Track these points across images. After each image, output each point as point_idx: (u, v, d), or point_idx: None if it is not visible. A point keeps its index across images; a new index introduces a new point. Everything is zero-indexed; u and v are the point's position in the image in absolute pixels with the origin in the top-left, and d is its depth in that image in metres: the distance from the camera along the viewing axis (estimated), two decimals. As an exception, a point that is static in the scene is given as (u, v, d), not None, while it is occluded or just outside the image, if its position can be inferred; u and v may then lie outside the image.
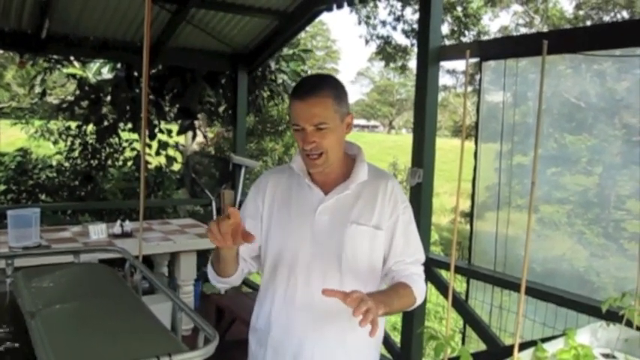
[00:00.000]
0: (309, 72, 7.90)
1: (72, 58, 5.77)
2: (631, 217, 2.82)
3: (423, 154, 3.17)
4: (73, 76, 5.89)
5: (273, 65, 6.10)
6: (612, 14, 15.36)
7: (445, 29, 14.63)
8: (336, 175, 1.58)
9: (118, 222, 4.06)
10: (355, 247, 1.54)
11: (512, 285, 2.76)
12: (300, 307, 1.53)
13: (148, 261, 4.38)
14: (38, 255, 2.26)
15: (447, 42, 12.54)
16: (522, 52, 2.78)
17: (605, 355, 1.91)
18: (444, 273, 3.22)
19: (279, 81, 6.28)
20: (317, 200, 1.55)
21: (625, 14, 15.27)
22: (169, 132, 6.07)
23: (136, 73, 5.45)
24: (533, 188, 1.23)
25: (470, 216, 3.13)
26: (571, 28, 9.27)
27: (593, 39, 2.43)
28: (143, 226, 4.39)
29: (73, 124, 6.44)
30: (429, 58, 3.13)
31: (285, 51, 6.14)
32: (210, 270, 1.54)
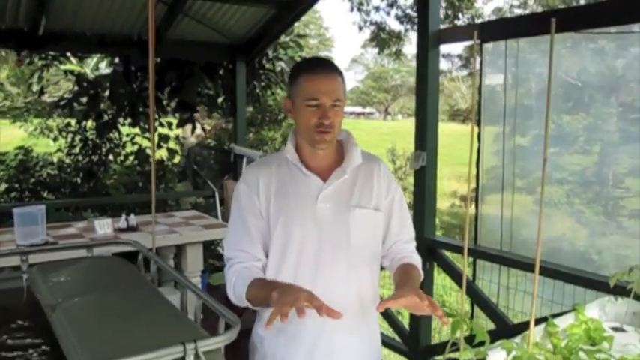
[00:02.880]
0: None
1: (69, 54, 5.75)
2: (630, 194, 2.84)
3: (426, 138, 3.19)
4: (71, 72, 5.88)
5: (270, 53, 6.09)
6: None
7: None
8: (329, 161, 1.58)
9: (123, 216, 4.08)
10: (361, 231, 1.55)
11: (520, 264, 2.79)
12: None
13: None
14: (52, 250, 2.27)
15: (442, 26, 12.49)
16: (523, 32, 2.78)
17: (615, 329, 1.94)
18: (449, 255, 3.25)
19: (278, 69, 6.27)
20: (316, 188, 1.54)
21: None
22: (169, 125, 6.07)
23: (133, 67, 5.45)
24: (544, 166, 1.24)
25: (475, 198, 3.16)
26: (572, 7, 9.26)
27: (594, 17, 2.44)
28: (147, 219, 4.44)
29: (73, 121, 6.43)
30: (429, 41, 3.14)
31: (282, 38, 6.12)
32: (241, 298, 1.49)
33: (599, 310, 2.06)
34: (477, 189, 3.16)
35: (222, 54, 5.36)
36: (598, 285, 2.40)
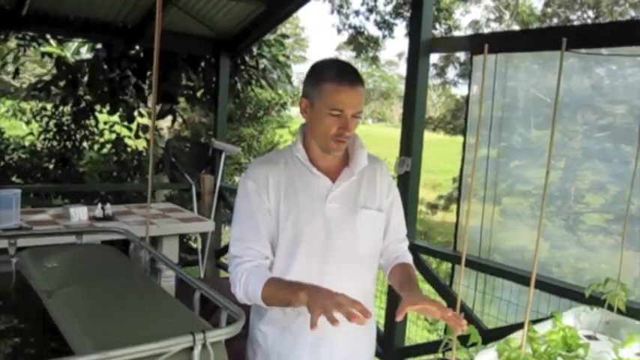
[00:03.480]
0: (287, 57, 7.87)
1: (49, 36, 5.61)
2: (590, 210, 2.96)
3: (411, 144, 3.25)
4: (49, 55, 5.74)
5: (255, 50, 6.07)
6: (579, 13, 15.80)
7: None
8: (336, 162, 1.60)
9: (99, 205, 4.03)
10: (366, 231, 1.60)
11: (509, 275, 2.86)
12: None
13: (127, 244, 4.35)
14: (42, 235, 2.24)
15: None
16: (511, 47, 2.87)
17: (588, 337, 2.03)
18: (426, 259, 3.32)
19: (261, 66, 6.26)
20: (324, 188, 1.56)
21: (591, 13, 15.72)
22: (150, 115, 5.98)
23: (116, 55, 5.36)
24: (547, 177, 1.30)
25: (457, 205, 3.24)
26: (563, 26, 9.53)
27: (585, 37, 2.55)
28: (122, 209, 4.39)
29: (49, 105, 6.28)
30: (420, 49, 3.20)
31: (267, 36, 6.12)
32: (256, 296, 1.48)
33: (574, 318, 2.15)
34: (458, 197, 3.24)
35: (207, 47, 5.32)
36: (572, 294, 2.50)
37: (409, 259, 1.70)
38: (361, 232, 1.58)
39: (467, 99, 3.16)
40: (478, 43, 3.02)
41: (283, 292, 1.41)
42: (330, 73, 1.50)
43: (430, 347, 3.35)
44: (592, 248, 2.94)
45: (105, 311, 1.39)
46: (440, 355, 1.55)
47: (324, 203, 1.55)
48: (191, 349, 1.19)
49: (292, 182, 1.56)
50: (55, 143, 6.18)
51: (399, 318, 1.36)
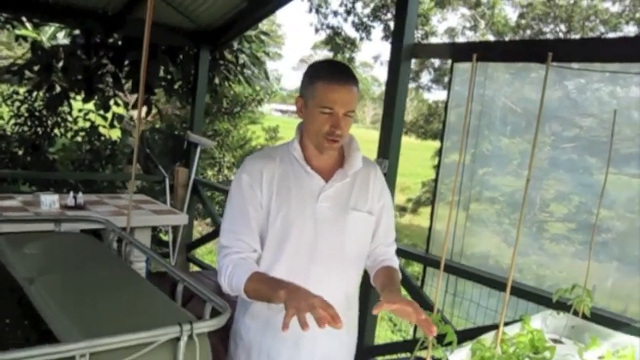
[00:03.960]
0: (267, 54, 7.86)
1: (25, 19, 5.48)
2: (553, 219, 3.04)
3: (390, 146, 3.30)
4: (24, 38, 5.60)
5: (235, 45, 6.05)
6: (552, 26, 16.19)
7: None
8: (331, 162, 1.63)
9: (71, 193, 3.97)
10: (354, 233, 1.63)
11: (473, 276, 2.93)
12: None
13: (96, 235, 4.30)
14: (19, 222, 2.20)
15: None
16: (492, 57, 2.95)
17: (554, 340, 2.11)
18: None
19: (240, 61, 6.23)
20: (317, 187, 1.59)
21: (563, 27, 16.12)
22: (126, 105, 5.90)
23: (94, 42, 5.26)
24: (527, 185, 1.36)
25: (431, 209, 3.30)
26: (547, 39, 9.76)
27: (564, 51, 2.65)
28: (94, 199, 4.33)
29: (22, 89, 6.12)
30: (403, 54, 3.25)
31: (248, 32, 6.10)
32: (238, 288, 1.49)
33: (541, 322, 2.23)
34: (432, 201, 3.31)
35: (187, 39, 5.27)
36: (539, 299, 2.58)
37: (395, 263, 1.74)
38: (350, 233, 1.61)
39: (446, 105, 3.23)
40: (459, 50, 3.09)
41: (265, 288, 1.43)
42: (322, 72, 1.53)
43: (399, 347, 3.42)
44: (553, 256, 3.03)
45: (90, 300, 1.40)
46: (416, 354, 1.59)
47: (316, 202, 1.58)
48: (177, 339, 1.21)
49: (286, 179, 1.59)
50: (25, 129, 6.03)
51: (375, 311, 1.38)
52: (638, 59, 2.49)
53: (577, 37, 14.08)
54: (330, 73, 1.52)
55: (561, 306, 2.19)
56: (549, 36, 15.35)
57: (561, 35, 15.04)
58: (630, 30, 14.05)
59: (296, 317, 1.23)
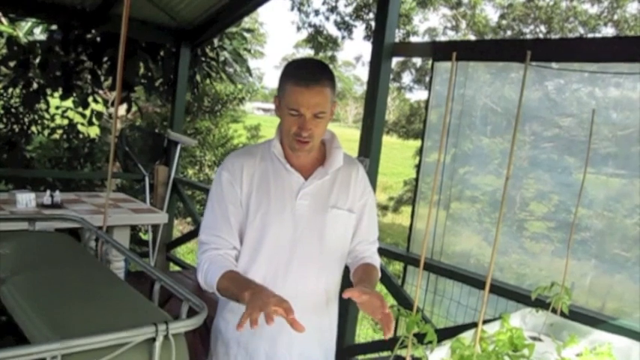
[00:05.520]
0: (249, 52, 7.81)
1: (0, 14, 5.37)
2: (533, 218, 3.07)
3: (370, 145, 3.30)
4: (-1, 33, 5.49)
5: (216, 42, 5.99)
6: (532, 27, 16.39)
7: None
8: (311, 159, 1.62)
9: (48, 192, 3.89)
10: (334, 231, 1.62)
11: (454, 275, 2.94)
12: (280, 290, 1.54)
13: (74, 234, 4.24)
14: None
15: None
16: (473, 56, 2.96)
17: (533, 338, 2.13)
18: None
19: (221, 59, 6.18)
20: (296, 185, 1.58)
21: (543, 28, 16.32)
22: (105, 102, 5.81)
23: (72, 38, 5.17)
24: (506, 183, 1.36)
25: (412, 208, 3.31)
26: (527, 39, 9.86)
27: (543, 51, 2.67)
28: (72, 197, 4.25)
29: (-3, 86, 6.00)
30: (383, 53, 3.25)
31: (229, 29, 6.06)
32: (212, 285, 1.48)
33: (520, 320, 2.24)
34: (413, 200, 3.31)
35: (167, 36, 5.21)
36: (519, 297, 2.60)
37: (376, 261, 1.73)
38: (329, 231, 1.60)
39: (427, 104, 3.24)
40: (440, 49, 3.10)
41: (234, 287, 1.43)
42: (291, 73, 1.51)
43: (379, 346, 3.42)
44: (533, 255, 3.06)
45: (62, 300, 1.37)
46: (396, 353, 1.58)
47: (295, 199, 1.57)
48: (153, 339, 1.19)
49: (266, 176, 1.58)
50: (1, 126, 5.90)
51: (345, 295, 1.36)
52: (616, 60, 2.52)
53: (557, 37, 14.25)
54: (298, 74, 1.49)
55: (540, 304, 2.20)
56: (529, 37, 15.52)
57: (541, 36, 15.21)
58: (608, 31, 14.27)
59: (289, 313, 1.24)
